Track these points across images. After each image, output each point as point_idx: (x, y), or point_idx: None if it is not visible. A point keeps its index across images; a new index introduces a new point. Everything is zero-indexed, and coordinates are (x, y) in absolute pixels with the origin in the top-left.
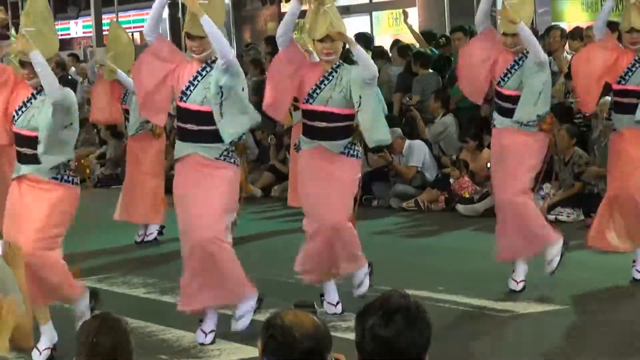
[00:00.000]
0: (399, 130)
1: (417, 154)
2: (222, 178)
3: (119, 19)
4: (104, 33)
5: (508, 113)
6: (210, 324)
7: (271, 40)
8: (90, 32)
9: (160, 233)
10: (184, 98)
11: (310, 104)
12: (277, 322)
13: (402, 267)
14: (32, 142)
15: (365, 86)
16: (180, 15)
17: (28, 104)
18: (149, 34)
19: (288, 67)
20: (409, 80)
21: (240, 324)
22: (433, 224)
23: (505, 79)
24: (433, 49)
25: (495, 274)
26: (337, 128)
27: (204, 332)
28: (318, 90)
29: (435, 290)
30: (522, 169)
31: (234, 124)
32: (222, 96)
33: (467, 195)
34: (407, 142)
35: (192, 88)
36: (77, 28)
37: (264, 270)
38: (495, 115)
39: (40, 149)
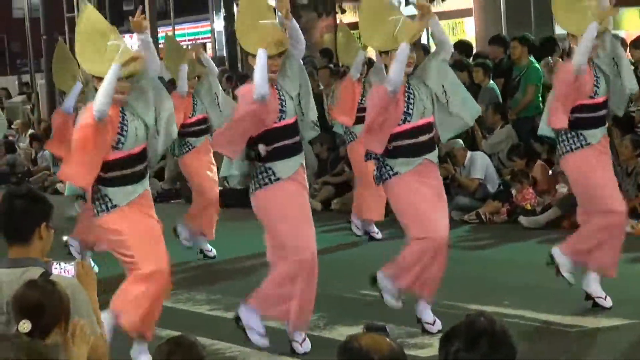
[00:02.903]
0: (460, 141)
1: (480, 165)
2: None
3: (175, 32)
4: (160, 47)
5: (602, 121)
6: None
7: (327, 53)
8: None
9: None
10: (283, 116)
11: (409, 121)
12: (354, 345)
13: (466, 280)
14: (143, 155)
15: (449, 71)
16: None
17: (125, 122)
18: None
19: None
20: (475, 91)
21: (305, 346)
22: (495, 236)
23: (599, 86)
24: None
25: (560, 288)
26: (433, 138)
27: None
28: (411, 107)
29: (500, 304)
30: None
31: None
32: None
33: (529, 207)
34: (469, 153)
35: (284, 104)
36: (133, 42)
37: (329, 285)
38: (587, 133)
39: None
